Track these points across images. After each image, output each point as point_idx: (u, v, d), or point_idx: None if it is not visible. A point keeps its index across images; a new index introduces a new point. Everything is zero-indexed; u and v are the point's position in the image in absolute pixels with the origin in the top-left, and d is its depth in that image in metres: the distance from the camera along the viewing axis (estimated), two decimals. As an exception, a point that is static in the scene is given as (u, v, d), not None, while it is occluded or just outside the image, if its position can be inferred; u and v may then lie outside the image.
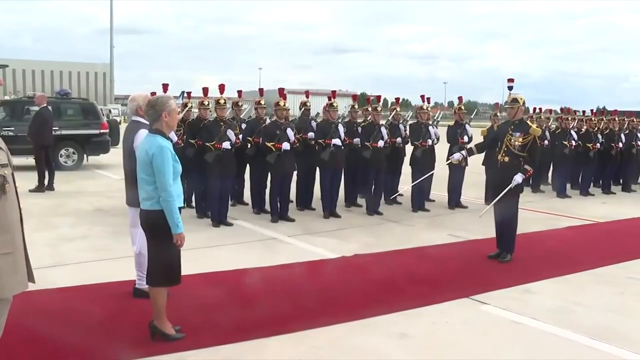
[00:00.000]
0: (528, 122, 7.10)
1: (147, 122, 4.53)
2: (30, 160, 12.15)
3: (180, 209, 4.19)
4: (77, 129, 14.93)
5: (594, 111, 14.15)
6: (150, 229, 4.26)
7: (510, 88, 7.19)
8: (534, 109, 14.46)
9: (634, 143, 13.40)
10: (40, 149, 11.37)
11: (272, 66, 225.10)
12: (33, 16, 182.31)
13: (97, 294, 5.30)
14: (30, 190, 10.80)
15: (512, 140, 6.77)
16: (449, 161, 8.26)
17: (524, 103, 6.98)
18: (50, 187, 11.30)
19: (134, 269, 5.23)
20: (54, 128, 12.07)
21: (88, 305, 4.98)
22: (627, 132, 13.41)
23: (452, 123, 10.66)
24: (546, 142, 12.35)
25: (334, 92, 10.04)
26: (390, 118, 10.41)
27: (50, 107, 11.93)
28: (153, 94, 6.41)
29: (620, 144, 12.95)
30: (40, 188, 11.11)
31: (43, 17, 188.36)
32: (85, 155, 15.21)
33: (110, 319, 4.70)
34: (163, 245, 4.18)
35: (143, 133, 4.58)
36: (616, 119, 13.39)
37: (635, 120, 13.99)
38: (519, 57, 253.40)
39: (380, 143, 9.46)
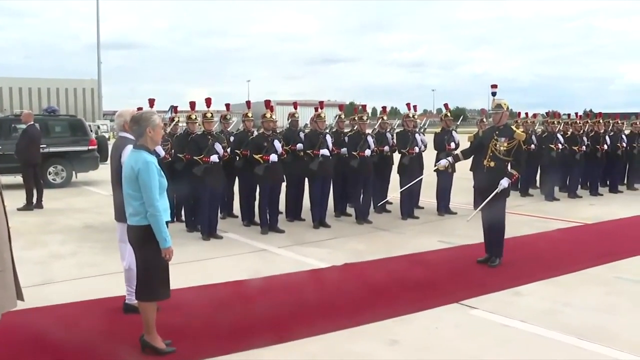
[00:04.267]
0: (513, 127, 7.17)
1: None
2: (18, 179, 12.13)
3: (167, 223, 4.21)
4: (66, 146, 14.90)
5: (579, 114, 14.28)
6: (138, 244, 4.27)
7: (494, 94, 7.26)
8: (519, 113, 14.58)
9: (619, 145, 13.52)
10: (28, 167, 11.34)
11: (262, 78, 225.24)
12: (23, 33, 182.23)
13: (87, 311, 5.30)
14: (18, 209, 10.77)
15: (498, 145, 6.83)
16: (436, 168, 8.32)
17: (507, 108, 7.04)
18: (39, 205, 11.27)
19: (124, 284, 5.24)
20: (41, 145, 12.06)
21: (78, 322, 4.98)
22: (612, 134, 13.54)
23: (439, 130, 10.74)
24: (533, 146, 12.47)
25: (321, 102, 10.10)
26: (377, 127, 10.47)
27: (37, 125, 11.93)
28: (140, 109, 6.42)
29: (606, 146, 13.08)
30: (28, 206, 11.08)
31: (34, 34, 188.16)
32: (74, 172, 15.18)
33: (101, 334, 4.69)
34: (151, 260, 4.19)
35: (130, 149, 4.60)
36: (601, 121, 13.53)
37: (619, 122, 14.13)
38: (507, 62, 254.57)
39: (367, 152, 9.51)
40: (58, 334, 4.70)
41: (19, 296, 3.52)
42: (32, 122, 11.58)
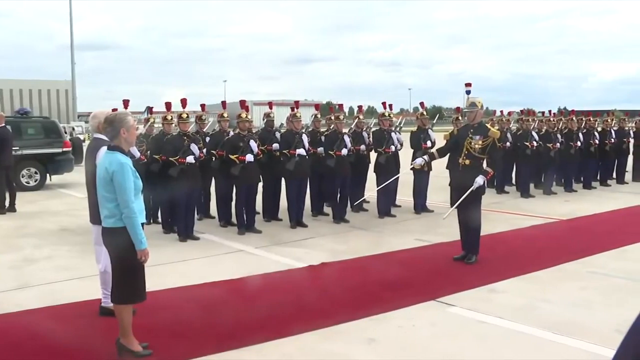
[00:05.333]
0: (487, 125, 7.23)
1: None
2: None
3: (143, 224, 4.18)
4: (39, 148, 14.68)
5: (553, 112, 14.47)
6: (113, 246, 4.24)
7: (468, 92, 7.33)
8: (495, 111, 14.72)
9: (591, 142, 13.72)
10: (0, 170, 11.16)
11: (239, 78, 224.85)
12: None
13: (63, 315, 5.25)
14: (-9, 213, 10.61)
15: (472, 144, 6.88)
16: (412, 166, 8.36)
17: (482, 106, 7.11)
18: (12, 208, 11.09)
19: (100, 287, 5.19)
20: (14, 148, 11.87)
21: (54, 326, 4.93)
22: (584, 131, 13.72)
23: (415, 129, 10.79)
24: (508, 144, 12.59)
25: (297, 102, 10.10)
26: (353, 126, 10.50)
27: (9, 127, 11.73)
28: (114, 110, 6.37)
29: (579, 143, 13.25)
30: (1, 210, 10.91)
31: (5, 34, 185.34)
32: (48, 175, 14.98)
33: (77, 338, 4.65)
34: (127, 262, 4.16)
35: (104, 150, 4.56)
36: (574, 119, 13.70)
37: (592, 119, 14.32)
38: (483, 60, 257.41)
39: (344, 151, 9.53)
40: (33, 339, 4.65)
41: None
42: (3, 124, 11.39)
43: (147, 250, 4.15)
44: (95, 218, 4.93)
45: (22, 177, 14.31)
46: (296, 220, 9.29)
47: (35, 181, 14.62)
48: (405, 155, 10.39)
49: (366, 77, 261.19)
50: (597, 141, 13.86)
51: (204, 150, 8.82)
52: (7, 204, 11.07)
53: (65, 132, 17.00)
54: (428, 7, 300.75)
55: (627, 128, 15.53)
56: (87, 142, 19.04)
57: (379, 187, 9.24)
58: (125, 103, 9.02)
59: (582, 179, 14.08)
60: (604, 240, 8.20)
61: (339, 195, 9.80)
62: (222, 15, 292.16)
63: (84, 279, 6.32)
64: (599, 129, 14.55)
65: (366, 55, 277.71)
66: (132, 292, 4.24)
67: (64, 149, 15.09)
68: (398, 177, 9.48)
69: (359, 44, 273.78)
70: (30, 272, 6.77)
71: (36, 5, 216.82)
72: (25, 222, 10.05)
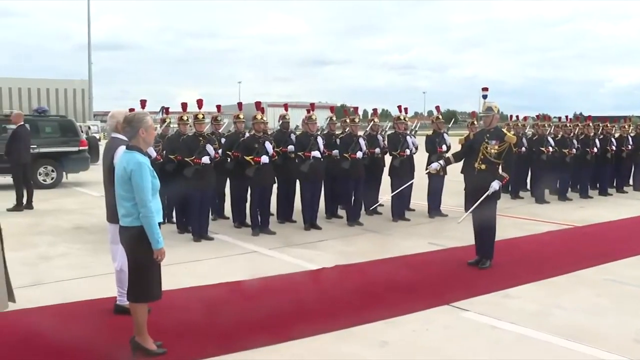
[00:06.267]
0: (503, 129, 7.20)
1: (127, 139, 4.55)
2: (7, 179, 12.06)
3: (159, 224, 4.21)
4: (56, 147, 14.84)
5: (569, 117, 14.38)
6: (130, 245, 4.26)
7: (484, 97, 7.32)
8: (510, 116, 14.64)
9: (608, 148, 13.61)
10: (18, 168, 11.28)
11: (253, 79, 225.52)
12: (13, 33, 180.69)
13: (77, 312, 5.29)
14: (8, 209, 10.72)
15: (488, 148, 6.86)
16: (427, 171, 8.34)
17: (498, 111, 7.08)
18: (29, 205, 11.21)
19: (115, 285, 5.22)
20: (31, 146, 12.00)
21: (69, 323, 4.97)
22: (601, 137, 13.63)
23: (430, 132, 10.77)
24: (523, 149, 12.54)
25: (312, 104, 10.10)
26: (368, 129, 10.50)
27: (27, 125, 11.85)
28: (131, 110, 6.42)
29: (595, 149, 13.16)
30: (18, 207, 11.01)
31: (23, 34, 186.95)
32: (64, 173, 15.11)
33: (92, 336, 4.68)
34: (143, 261, 4.19)
35: (122, 149, 4.59)
36: (590, 124, 13.61)
37: (609, 125, 14.22)
38: (497, 64, 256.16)
39: (359, 154, 9.53)
40: (48, 336, 4.68)
41: (11, 297, 3.51)
42: (22, 123, 11.52)
43: (163, 250, 4.18)
44: (111, 217, 4.96)
45: (39, 175, 14.47)
46: (310, 223, 9.30)
47: (51, 179, 14.79)
48: (420, 159, 10.37)
49: (380, 80, 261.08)
50: (614, 147, 13.75)
51: (219, 151, 8.85)
52: (24, 201, 11.18)
53: (81, 131, 17.14)
54: (443, 10, 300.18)
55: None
56: (102, 141, 19.17)
57: (393, 193, 9.23)
58: (143, 103, 9.09)
59: (597, 185, 13.97)
60: (619, 248, 8.13)
61: (353, 197, 9.80)
62: (236, 17, 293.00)
63: (97, 277, 6.37)
64: (617, 135, 14.44)
65: (380, 58, 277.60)
66: (148, 290, 4.26)
67: (81, 148, 15.25)
68: (412, 182, 9.45)
69: (373, 47, 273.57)
70: (44, 269, 6.84)
71: (53, 6, 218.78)
72: (41, 219, 10.15)
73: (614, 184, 14.49)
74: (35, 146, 13.06)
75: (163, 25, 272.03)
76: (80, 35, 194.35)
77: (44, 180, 14.59)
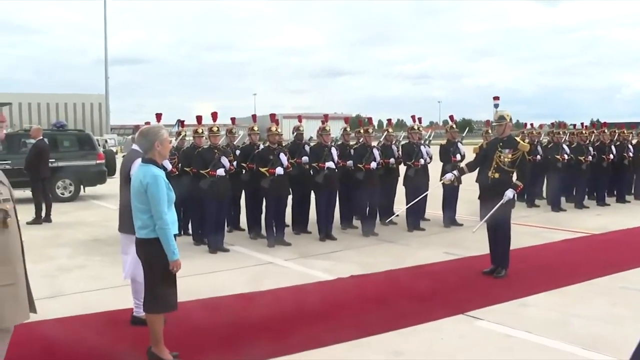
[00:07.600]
0: (517, 138, 7.20)
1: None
2: (27, 193, 12.22)
3: (175, 236, 4.27)
4: (74, 160, 15.01)
5: (585, 124, 14.31)
6: (146, 257, 4.33)
7: (496, 106, 7.35)
8: (525, 124, 14.61)
9: (624, 154, 13.52)
10: (37, 182, 11.45)
11: (267, 91, 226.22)
12: (33, 49, 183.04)
13: (95, 323, 5.35)
14: (27, 223, 10.84)
15: (502, 157, 6.86)
16: (442, 181, 8.34)
17: (510, 120, 7.08)
18: (48, 218, 11.36)
19: (131, 296, 5.29)
20: (50, 160, 12.18)
21: (86, 335, 5.03)
22: (617, 143, 13.55)
23: (444, 142, 10.78)
24: (539, 156, 12.50)
25: (326, 115, 10.17)
26: (382, 139, 10.53)
27: (46, 140, 12.04)
28: (147, 123, 6.51)
29: (612, 156, 13.07)
30: (37, 220, 11.17)
31: (43, 50, 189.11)
32: (82, 186, 15.29)
33: (109, 347, 4.74)
34: (159, 272, 4.24)
35: (139, 162, 4.67)
36: (606, 131, 13.54)
37: (625, 132, 14.12)
38: (512, 73, 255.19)
39: (373, 164, 9.56)
40: (67, 346, 4.76)
41: (32, 308, 3.58)
42: (41, 137, 11.70)
43: (179, 262, 4.24)
44: (123, 226, 5.05)
45: (58, 188, 14.64)
46: (325, 233, 9.33)
47: (69, 192, 14.94)
48: (435, 168, 10.38)
49: (395, 89, 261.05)
50: (631, 154, 13.64)
51: (234, 163, 8.93)
52: (43, 214, 11.33)
53: (99, 145, 17.34)
54: (456, 19, 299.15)
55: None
56: (119, 155, 19.31)
57: (408, 206, 9.23)
58: (158, 117, 9.18)
59: (614, 192, 13.86)
60: (637, 256, 8.06)
61: (367, 208, 9.82)
62: (250, 29, 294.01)
63: (115, 288, 6.43)
64: (634, 141, 14.33)
65: (395, 68, 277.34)
66: (164, 302, 4.32)
67: (98, 161, 15.41)
68: (427, 194, 9.44)
69: (387, 57, 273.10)
70: (63, 281, 6.93)
71: (71, 22, 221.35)
72: (60, 232, 10.28)
73: (632, 191, 14.36)
74: (53, 160, 13.25)
75: (179, 38, 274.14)
76: (98, 50, 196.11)
77: (62, 194, 14.76)
